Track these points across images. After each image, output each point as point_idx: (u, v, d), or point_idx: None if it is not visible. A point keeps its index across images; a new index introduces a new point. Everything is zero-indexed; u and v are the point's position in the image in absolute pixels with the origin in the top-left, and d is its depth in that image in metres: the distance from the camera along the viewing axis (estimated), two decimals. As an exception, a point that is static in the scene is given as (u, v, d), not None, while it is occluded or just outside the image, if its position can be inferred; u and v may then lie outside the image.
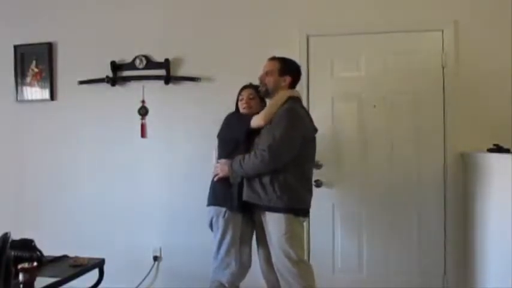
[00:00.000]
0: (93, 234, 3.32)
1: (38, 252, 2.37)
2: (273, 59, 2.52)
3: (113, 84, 3.34)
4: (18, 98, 3.55)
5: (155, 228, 3.32)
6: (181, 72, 3.27)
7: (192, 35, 3.26)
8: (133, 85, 3.31)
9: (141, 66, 3.30)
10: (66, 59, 3.47)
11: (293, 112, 2.36)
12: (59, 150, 3.47)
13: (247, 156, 2.35)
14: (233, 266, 2.43)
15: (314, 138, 2.48)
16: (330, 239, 3.09)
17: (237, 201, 2.41)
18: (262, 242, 2.51)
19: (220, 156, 2.54)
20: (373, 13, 3.04)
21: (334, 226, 3.10)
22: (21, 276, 1.95)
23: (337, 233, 3.10)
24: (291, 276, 2.33)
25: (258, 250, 2.59)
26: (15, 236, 2.10)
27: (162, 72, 3.25)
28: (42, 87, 3.50)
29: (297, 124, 2.35)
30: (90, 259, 2.51)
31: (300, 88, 2.85)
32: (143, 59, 3.30)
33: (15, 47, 3.52)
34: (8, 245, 1.83)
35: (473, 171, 2.78)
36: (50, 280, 2.16)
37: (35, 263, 2.05)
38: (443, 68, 2.97)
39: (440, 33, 2.97)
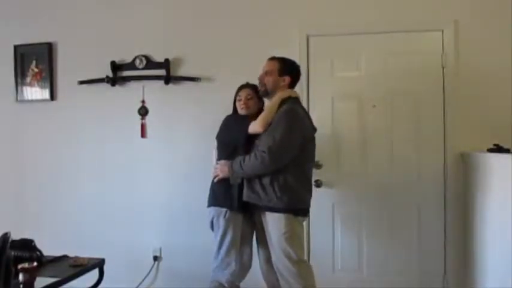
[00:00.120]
0: (93, 234, 3.32)
1: (38, 252, 2.37)
2: (273, 59, 2.52)
3: (113, 84, 3.34)
4: (18, 98, 3.55)
5: (155, 228, 3.32)
6: (181, 72, 3.27)
7: (192, 35, 3.26)
8: (133, 85, 3.31)
9: (141, 66, 3.30)
10: (66, 59, 3.47)
11: (292, 113, 2.36)
12: (59, 150, 3.47)
13: (247, 157, 2.35)
14: (233, 266, 2.43)
15: (313, 138, 2.48)
16: (330, 238, 3.09)
17: (237, 201, 2.42)
18: (262, 242, 2.51)
19: (220, 157, 2.54)
20: (373, 13, 3.04)
21: (334, 226, 3.10)
22: (21, 276, 1.95)
23: (337, 233, 3.10)
24: (291, 276, 2.33)
25: (258, 250, 2.60)
26: (15, 236, 2.10)
27: (162, 72, 3.25)
28: (42, 87, 3.50)
29: (296, 125, 2.35)
30: (90, 259, 2.51)
31: (300, 88, 2.86)
32: (143, 59, 3.30)
33: (15, 47, 3.52)
34: (8, 245, 1.83)
35: (473, 171, 2.78)
36: (50, 280, 2.16)
37: (35, 263, 2.05)
38: (443, 68, 2.97)
39: (440, 33, 2.97)
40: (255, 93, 2.56)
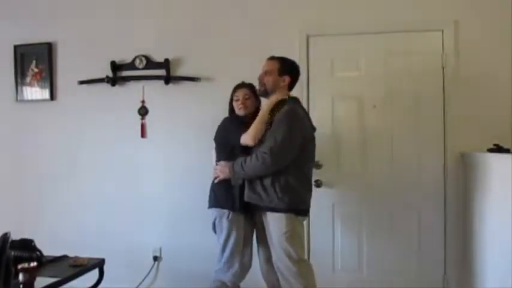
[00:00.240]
0: (93, 234, 3.33)
1: (38, 252, 2.37)
2: (272, 58, 2.51)
3: (113, 84, 3.34)
4: (18, 98, 3.55)
5: (155, 228, 3.32)
6: (181, 72, 3.27)
7: (192, 35, 3.26)
8: (133, 85, 3.31)
9: (141, 66, 3.30)
10: (66, 59, 3.47)
11: (293, 113, 2.36)
12: (59, 150, 3.47)
13: (248, 158, 2.35)
14: (236, 267, 2.44)
15: (313, 138, 2.48)
16: (330, 238, 3.10)
17: (239, 202, 2.41)
18: (263, 242, 2.52)
19: (219, 158, 2.54)
20: (373, 13, 3.04)
21: (334, 226, 3.10)
22: (21, 276, 1.95)
23: (337, 232, 3.10)
24: (291, 275, 2.33)
25: (258, 250, 2.60)
26: (15, 236, 2.10)
27: (162, 72, 3.25)
28: (42, 87, 3.50)
29: (297, 125, 2.35)
30: (90, 259, 2.52)
31: (300, 88, 2.86)
32: (143, 59, 3.30)
33: (15, 47, 3.52)
34: (8, 245, 1.83)
35: (473, 171, 2.78)
36: (50, 280, 2.17)
37: (35, 263, 2.05)
38: (443, 68, 2.97)
39: (440, 33, 2.97)
40: (252, 92, 2.55)
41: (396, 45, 3.03)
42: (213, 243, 2.56)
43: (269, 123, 2.37)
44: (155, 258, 3.32)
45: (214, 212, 2.49)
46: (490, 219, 2.54)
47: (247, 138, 2.37)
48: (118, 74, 3.35)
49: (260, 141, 2.37)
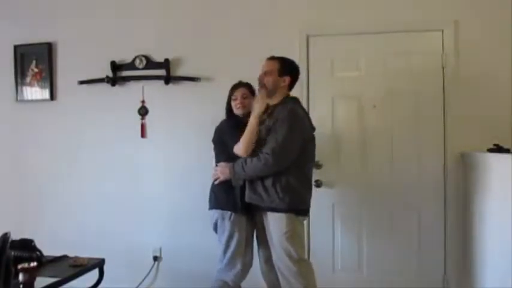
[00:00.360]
0: (93, 234, 3.33)
1: (38, 252, 2.37)
2: (272, 58, 2.50)
3: (113, 84, 3.34)
4: (18, 98, 3.55)
5: (155, 228, 3.32)
6: (181, 72, 3.27)
7: (192, 35, 3.26)
8: (133, 85, 3.31)
9: (141, 66, 3.30)
10: (66, 59, 3.47)
11: (293, 114, 2.36)
12: (59, 150, 3.47)
13: (249, 159, 2.35)
14: (238, 267, 2.44)
15: (313, 138, 2.49)
16: (330, 238, 3.10)
17: (240, 203, 2.41)
18: (263, 242, 2.52)
19: (218, 160, 2.54)
20: (373, 13, 3.04)
21: (334, 226, 3.10)
22: (21, 276, 1.95)
23: (337, 232, 3.10)
24: (291, 275, 2.34)
25: (258, 251, 2.60)
26: (15, 236, 2.11)
27: (162, 72, 3.25)
28: (42, 87, 3.50)
29: (298, 126, 2.35)
30: (90, 259, 2.52)
31: (300, 88, 2.87)
32: (143, 59, 3.30)
33: (15, 47, 3.52)
34: (8, 245, 1.83)
35: (473, 171, 2.78)
36: (50, 280, 2.17)
37: (35, 263, 2.05)
38: (443, 68, 2.97)
39: (440, 33, 2.97)
40: (250, 91, 2.55)
41: (396, 45, 3.03)
42: (213, 243, 2.56)
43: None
44: (155, 258, 3.32)
45: (216, 213, 2.49)
46: (490, 219, 2.54)
47: (240, 150, 2.37)
48: (118, 74, 3.35)
49: (258, 143, 2.37)
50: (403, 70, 3.01)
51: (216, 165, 2.53)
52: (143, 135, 3.27)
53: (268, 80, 2.45)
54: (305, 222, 2.62)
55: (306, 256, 2.79)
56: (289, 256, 2.33)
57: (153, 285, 3.32)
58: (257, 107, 2.38)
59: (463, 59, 2.93)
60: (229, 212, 2.43)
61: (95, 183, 3.40)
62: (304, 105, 2.81)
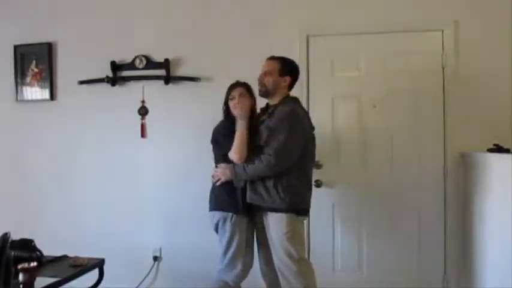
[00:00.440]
0: (93, 234, 3.33)
1: (38, 252, 2.37)
2: (272, 58, 2.50)
3: (113, 84, 3.34)
4: (18, 98, 3.55)
5: (155, 228, 3.32)
6: (181, 72, 3.27)
7: (192, 35, 3.26)
8: (133, 85, 3.31)
9: (141, 66, 3.30)
10: (66, 59, 3.47)
11: (294, 114, 2.37)
12: (59, 150, 3.47)
13: (251, 161, 2.34)
14: (239, 268, 2.43)
15: (314, 138, 2.49)
16: (330, 238, 3.10)
17: (241, 204, 2.41)
18: (263, 243, 2.52)
19: (218, 160, 2.53)
20: (373, 13, 3.04)
21: (334, 226, 3.10)
22: (21, 276, 1.95)
23: (337, 232, 3.10)
24: (291, 274, 2.34)
25: (258, 251, 2.59)
26: (15, 236, 2.10)
27: (162, 72, 3.25)
28: (42, 87, 3.50)
29: (298, 126, 2.36)
30: (90, 259, 2.52)
31: (300, 88, 2.87)
32: (143, 59, 3.30)
33: (15, 47, 3.52)
34: (8, 245, 1.83)
35: (473, 171, 2.78)
36: (50, 280, 2.17)
37: (35, 263, 2.05)
38: (443, 68, 2.97)
39: (440, 33, 2.97)
40: (247, 91, 2.53)
41: (396, 45, 3.03)
42: (213, 243, 2.56)
43: (266, 122, 2.38)
44: (155, 258, 3.31)
45: (217, 214, 2.47)
46: (490, 219, 2.54)
47: (234, 157, 2.38)
48: (118, 74, 3.35)
49: (258, 143, 2.37)
50: (403, 70, 3.01)
51: (216, 166, 2.52)
52: (143, 135, 3.28)
53: (269, 80, 2.45)
54: (305, 222, 2.62)
55: (306, 256, 2.79)
56: (290, 256, 2.33)
57: (153, 285, 3.32)
58: (241, 115, 2.39)
59: (463, 59, 2.93)
60: (231, 214, 2.42)
61: (95, 183, 3.40)
62: (304, 105, 2.81)
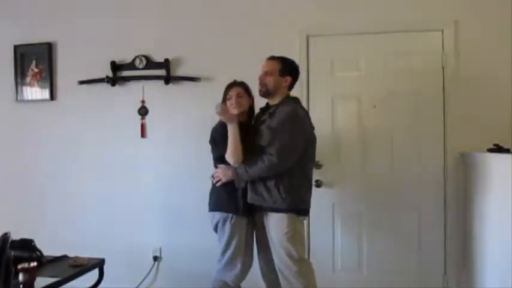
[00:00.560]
0: (93, 234, 3.33)
1: (38, 252, 2.37)
2: (273, 58, 2.50)
3: (113, 84, 3.34)
4: (18, 98, 3.55)
5: (155, 228, 3.32)
6: (181, 72, 3.27)
7: (192, 35, 3.26)
8: (133, 85, 3.31)
9: (141, 66, 3.30)
10: (66, 59, 3.47)
11: (295, 114, 2.37)
12: (59, 150, 3.47)
13: (252, 160, 2.34)
14: (238, 268, 2.43)
15: (315, 138, 2.48)
16: (330, 238, 3.10)
17: (242, 205, 2.41)
18: (263, 244, 2.51)
19: (217, 160, 2.53)
20: (373, 13, 3.04)
21: (334, 226, 3.10)
22: (21, 276, 1.95)
23: (337, 232, 3.10)
24: (291, 274, 2.34)
25: (258, 251, 2.59)
26: (15, 236, 2.10)
27: (162, 72, 3.25)
28: (42, 87, 3.50)
29: (300, 126, 2.36)
30: (90, 259, 2.52)
31: (300, 88, 2.87)
32: (143, 59, 3.30)
33: (15, 47, 3.52)
34: (8, 245, 1.83)
35: (473, 171, 2.78)
36: (50, 280, 2.17)
37: (35, 263, 2.05)
38: (443, 68, 2.97)
39: (440, 33, 2.97)
40: (245, 90, 2.52)
41: (396, 45, 3.03)
42: (213, 243, 2.55)
43: (267, 122, 2.38)
44: (155, 258, 3.31)
45: (217, 215, 2.46)
46: (490, 219, 2.54)
47: (230, 159, 2.38)
48: (118, 74, 3.35)
49: (259, 143, 2.37)
50: (403, 70, 3.01)
51: (216, 166, 2.52)
52: (143, 135, 3.27)
53: (270, 81, 2.44)
54: (305, 222, 2.62)
55: (306, 256, 2.79)
56: (290, 256, 2.33)
57: (153, 285, 3.32)
58: (228, 119, 2.39)
59: (463, 59, 2.93)
60: (231, 215, 2.41)
61: (95, 183, 3.40)
62: (304, 105, 2.80)
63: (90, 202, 3.40)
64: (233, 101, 2.48)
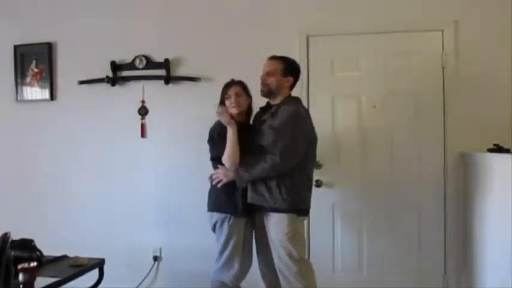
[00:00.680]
0: (93, 234, 3.33)
1: (38, 252, 2.37)
2: (274, 58, 2.49)
3: (113, 84, 3.34)
4: (18, 98, 3.55)
5: (155, 228, 3.32)
6: (181, 72, 3.27)
7: (192, 35, 3.26)
8: (133, 85, 3.31)
9: (141, 66, 3.30)
10: (66, 59, 3.47)
11: (298, 114, 2.37)
12: (59, 150, 3.47)
13: (254, 161, 2.33)
14: (236, 268, 2.43)
15: (316, 138, 2.48)
16: (330, 238, 3.09)
17: (241, 206, 2.40)
18: (262, 243, 2.51)
19: (214, 161, 2.52)
20: (373, 13, 3.04)
21: (334, 226, 3.10)
22: (21, 276, 1.95)
23: (337, 232, 3.10)
24: (292, 274, 2.34)
25: (257, 251, 2.59)
26: (15, 236, 2.10)
27: (162, 72, 3.25)
28: (42, 87, 3.50)
29: (302, 126, 2.37)
30: (90, 259, 2.52)
31: (300, 88, 2.86)
32: (143, 59, 3.30)
33: (15, 47, 3.52)
34: (8, 245, 1.83)
35: (473, 171, 2.78)
36: (50, 280, 2.17)
37: (35, 263, 2.05)
38: (443, 68, 2.97)
39: (440, 33, 2.97)
40: (243, 89, 2.50)
41: (396, 45, 3.03)
42: (213, 243, 2.55)
43: (269, 122, 2.37)
44: (155, 258, 3.31)
45: (215, 215, 2.46)
46: (490, 219, 2.54)
47: (226, 162, 2.38)
48: (118, 74, 3.35)
49: (260, 143, 2.36)
50: (403, 70, 3.01)
51: (215, 167, 2.51)
52: (143, 135, 3.28)
53: (272, 81, 2.43)
54: (305, 222, 2.62)
55: (306, 256, 2.79)
56: (290, 256, 2.33)
57: (153, 285, 3.32)
58: (227, 122, 2.39)
59: (463, 59, 2.93)
60: (229, 215, 2.41)
61: (95, 183, 3.40)
62: (304, 105, 2.79)
63: (90, 202, 3.40)
64: (232, 100, 2.46)
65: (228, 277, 2.44)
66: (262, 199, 2.36)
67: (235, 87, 2.49)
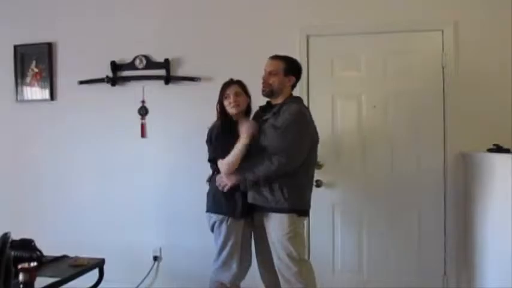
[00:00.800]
0: (93, 234, 3.33)
1: (38, 252, 2.37)
2: (276, 58, 2.47)
3: (113, 84, 3.34)
4: (18, 98, 3.55)
5: (155, 228, 3.32)
6: (181, 72, 3.27)
7: (192, 35, 3.26)
8: (133, 85, 3.31)
9: (141, 66, 3.30)
10: (66, 59, 3.47)
11: (301, 114, 2.36)
12: (59, 150, 3.47)
13: (258, 162, 2.31)
14: (234, 269, 2.42)
15: (318, 138, 2.47)
16: (330, 239, 3.09)
17: (241, 208, 2.39)
18: (262, 244, 2.50)
19: (211, 162, 2.51)
20: (373, 13, 3.04)
21: (334, 226, 3.10)
22: (21, 276, 1.95)
23: (337, 233, 3.10)
24: (291, 275, 2.33)
25: (256, 252, 2.58)
26: (15, 236, 2.10)
27: (162, 72, 3.25)
28: (42, 87, 3.50)
29: (306, 126, 2.36)
30: (90, 259, 2.52)
31: (300, 88, 2.86)
32: (143, 59, 3.30)
33: (15, 47, 3.52)
34: (8, 245, 1.83)
35: (473, 171, 2.78)
36: (50, 280, 2.17)
37: (35, 263, 2.04)
38: (443, 68, 2.97)
39: (440, 33, 2.97)
40: (242, 89, 2.48)
41: (396, 45, 3.03)
42: (213, 243, 2.55)
43: (271, 121, 2.37)
44: (155, 258, 3.32)
45: (214, 216, 2.45)
46: (490, 219, 2.54)
47: (223, 168, 2.36)
48: (118, 74, 3.36)
49: (262, 143, 2.36)
50: (403, 70, 3.01)
51: (213, 168, 2.49)
52: (143, 135, 3.28)
53: (274, 81, 2.42)
54: (305, 222, 2.62)
55: (306, 257, 2.79)
56: (290, 256, 2.33)
57: (153, 285, 3.32)
58: (245, 136, 2.34)
59: (463, 59, 2.93)
60: (227, 217, 2.40)
61: (95, 183, 3.40)
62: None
63: (90, 202, 3.40)
64: (231, 99, 2.43)
65: (226, 277, 2.43)
66: (264, 199, 2.35)
67: (234, 86, 2.47)
